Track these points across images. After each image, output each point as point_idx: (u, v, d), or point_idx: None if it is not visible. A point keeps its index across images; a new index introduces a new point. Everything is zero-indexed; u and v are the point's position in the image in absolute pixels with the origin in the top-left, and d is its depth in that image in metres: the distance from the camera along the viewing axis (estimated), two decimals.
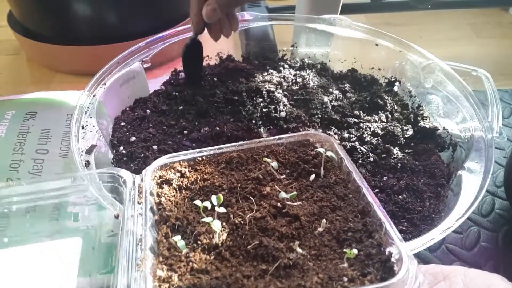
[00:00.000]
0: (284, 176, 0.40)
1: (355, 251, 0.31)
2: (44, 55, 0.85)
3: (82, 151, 0.49)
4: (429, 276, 0.31)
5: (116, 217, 0.38)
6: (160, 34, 0.67)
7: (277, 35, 0.82)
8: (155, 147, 0.56)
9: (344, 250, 0.31)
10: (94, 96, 0.56)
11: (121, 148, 0.56)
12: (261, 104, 0.63)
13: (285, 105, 0.63)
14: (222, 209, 0.35)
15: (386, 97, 0.66)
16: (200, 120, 0.61)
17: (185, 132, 0.59)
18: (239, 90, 0.65)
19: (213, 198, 0.35)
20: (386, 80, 0.72)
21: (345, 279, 0.29)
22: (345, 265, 0.31)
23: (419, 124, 0.62)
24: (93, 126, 0.53)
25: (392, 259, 0.31)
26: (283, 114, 0.61)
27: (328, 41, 0.76)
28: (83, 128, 0.52)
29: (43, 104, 0.68)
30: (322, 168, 0.40)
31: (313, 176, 0.39)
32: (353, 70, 0.75)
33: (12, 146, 0.59)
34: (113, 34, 0.81)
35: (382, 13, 1.13)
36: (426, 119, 0.63)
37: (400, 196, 0.51)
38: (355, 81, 0.72)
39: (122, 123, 0.61)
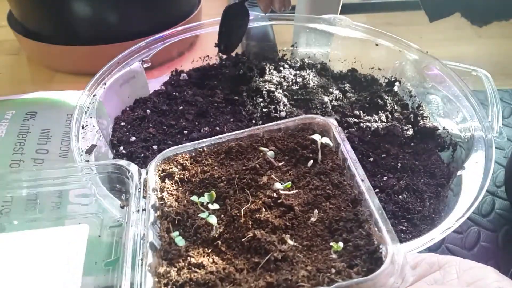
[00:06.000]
0: (283, 162, 0.40)
1: (341, 244, 0.31)
2: (44, 55, 0.85)
3: (82, 151, 0.49)
4: (425, 265, 0.32)
5: (122, 207, 0.39)
6: (160, 34, 0.67)
7: (277, 35, 0.82)
8: (155, 147, 0.56)
9: (331, 244, 0.32)
10: (94, 96, 0.57)
11: (121, 148, 0.56)
12: (261, 104, 0.63)
13: (285, 105, 0.63)
14: (215, 206, 0.35)
15: (386, 97, 0.66)
16: (200, 120, 0.61)
17: (185, 132, 0.59)
18: (239, 90, 0.65)
19: (205, 195, 0.36)
20: (386, 80, 0.72)
21: (333, 270, 0.29)
22: (335, 256, 0.31)
23: (419, 124, 0.62)
24: (93, 126, 0.53)
25: (380, 250, 0.31)
26: (283, 114, 0.61)
27: (328, 41, 0.76)
28: (83, 128, 0.52)
29: (43, 104, 0.68)
30: (319, 154, 0.40)
31: (311, 162, 0.40)
32: (353, 70, 0.75)
33: (12, 146, 0.59)
34: (113, 34, 0.81)
35: (382, 13, 1.13)
36: (426, 119, 0.63)
37: (400, 196, 0.51)
38: (355, 81, 0.72)
39: (122, 123, 0.61)
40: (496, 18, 0.55)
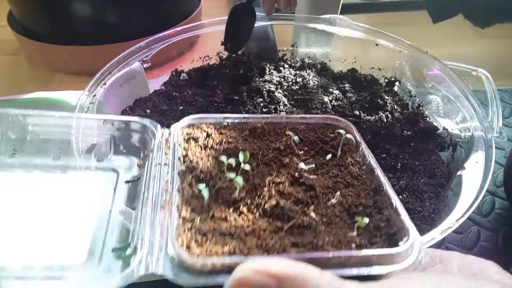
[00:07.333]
0: (302, 152, 0.41)
1: (366, 220, 0.32)
2: (44, 55, 0.86)
3: (82, 151, 0.49)
4: (426, 258, 0.32)
5: (139, 166, 0.39)
6: (160, 34, 0.67)
7: (277, 35, 0.82)
8: None
9: (356, 218, 0.32)
10: (94, 96, 0.56)
11: (122, 147, 0.56)
12: (261, 104, 0.63)
13: (285, 105, 0.63)
14: (247, 166, 0.36)
15: (386, 97, 0.66)
16: None
17: None
18: (239, 90, 0.65)
19: (240, 154, 0.37)
20: (386, 80, 0.72)
21: (353, 245, 0.30)
22: (354, 233, 0.32)
23: (419, 124, 0.62)
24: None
25: (399, 234, 0.31)
26: (283, 114, 0.61)
27: (328, 41, 0.76)
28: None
29: (43, 104, 0.68)
30: (339, 149, 0.41)
31: (329, 156, 0.41)
32: (353, 70, 0.75)
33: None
34: (113, 34, 0.81)
35: (382, 13, 1.13)
36: (426, 119, 0.63)
37: (400, 196, 0.51)
38: (355, 81, 0.72)
39: None
40: (498, 20, 0.56)
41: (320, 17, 0.73)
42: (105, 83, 0.59)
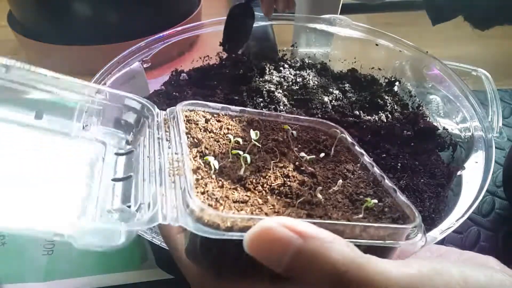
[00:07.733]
0: (296, 149, 0.42)
1: (375, 200, 0.32)
2: (44, 55, 0.86)
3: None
4: (426, 252, 0.32)
5: (128, 142, 0.39)
6: (160, 34, 0.67)
7: (277, 35, 0.82)
8: None
9: (363, 201, 0.33)
10: None
11: None
12: (261, 104, 0.63)
13: (285, 105, 0.63)
14: (257, 144, 0.36)
15: (386, 97, 0.66)
16: None
17: None
18: (239, 90, 0.65)
19: (252, 132, 0.37)
20: (386, 80, 0.72)
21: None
22: (361, 216, 0.32)
23: (419, 124, 0.62)
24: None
25: (402, 218, 0.32)
26: (283, 113, 0.61)
27: (328, 41, 0.76)
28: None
29: (42, 104, 0.67)
30: (333, 148, 0.41)
31: (323, 154, 0.41)
32: (353, 70, 0.75)
33: None
34: (113, 34, 0.81)
35: (382, 13, 1.13)
36: (426, 119, 0.63)
37: None
38: (355, 81, 0.72)
39: None
40: (498, 22, 0.56)
41: (320, 17, 0.73)
42: (105, 83, 0.59)
